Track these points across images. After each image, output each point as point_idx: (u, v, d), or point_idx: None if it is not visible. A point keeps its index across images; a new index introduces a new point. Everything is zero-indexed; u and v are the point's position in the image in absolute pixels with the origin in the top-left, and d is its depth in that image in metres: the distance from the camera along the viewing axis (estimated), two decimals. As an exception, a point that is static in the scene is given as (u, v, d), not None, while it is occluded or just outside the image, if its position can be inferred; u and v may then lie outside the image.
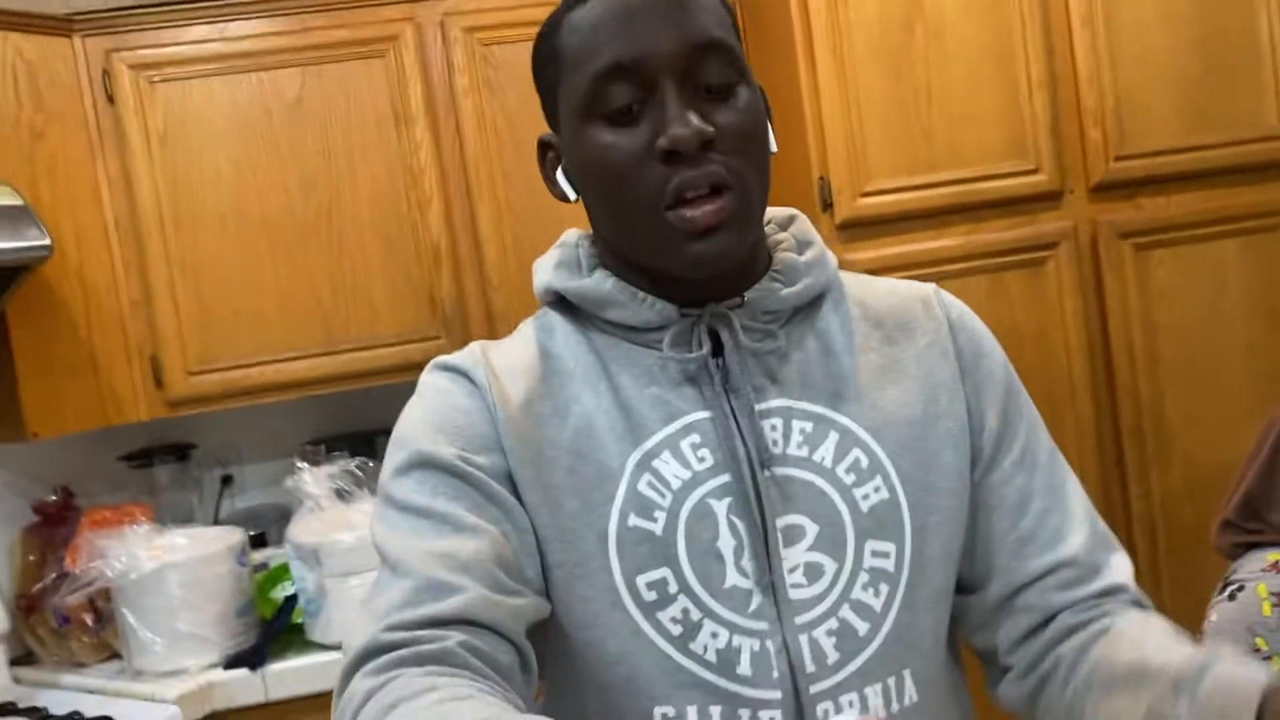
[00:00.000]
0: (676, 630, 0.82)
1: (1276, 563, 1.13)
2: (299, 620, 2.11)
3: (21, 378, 2.08)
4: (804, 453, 0.86)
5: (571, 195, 0.90)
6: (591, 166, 0.85)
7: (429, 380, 0.91)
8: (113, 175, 2.23)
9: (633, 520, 0.83)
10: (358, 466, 2.14)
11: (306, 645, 2.08)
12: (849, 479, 0.85)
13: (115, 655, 2.15)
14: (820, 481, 0.85)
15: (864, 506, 0.85)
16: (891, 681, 0.85)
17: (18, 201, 1.95)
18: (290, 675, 2.02)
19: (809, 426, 0.86)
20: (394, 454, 0.87)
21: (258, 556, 2.28)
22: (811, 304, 0.91)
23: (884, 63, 2.09)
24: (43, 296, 2.11)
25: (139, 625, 2.02)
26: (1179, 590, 2.18)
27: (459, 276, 2.33)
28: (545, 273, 0.94)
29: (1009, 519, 0.90)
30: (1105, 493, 2.17)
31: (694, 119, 0.80)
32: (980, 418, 0.91)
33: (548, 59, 0.88)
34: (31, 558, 2.34)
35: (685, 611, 0.82)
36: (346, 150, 2.28)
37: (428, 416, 0.88)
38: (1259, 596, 1.10)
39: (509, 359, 0.90)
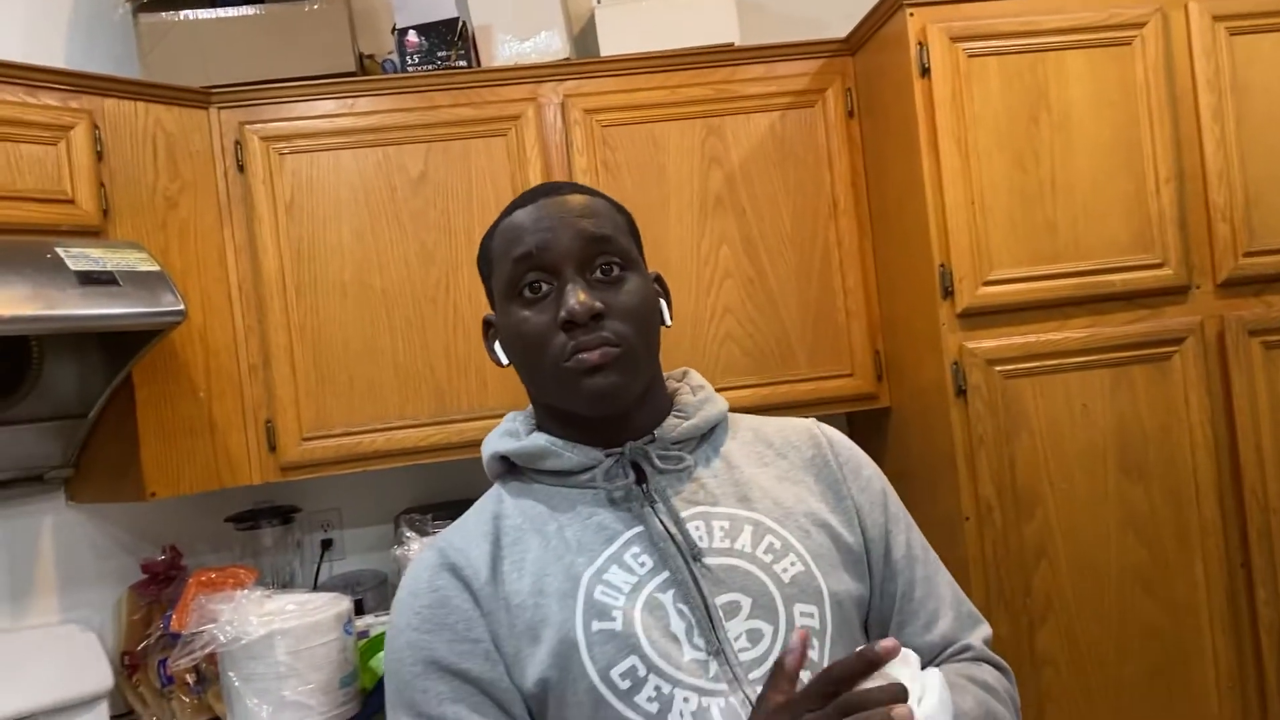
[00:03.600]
0: (654, 707, 0.98)
1: None
2: (401, 692, 2.09)
3: (144, 439, 2.11)
4: (726, 544, 1.05)
5: (504, 361, 1.13)
6: (514, 336, 1.08)
7: (414, 576, 1.08)
8: (239, 242, 2.28)
9: (595, 625, 1.00)
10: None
11: (408, 719, 2.06)
12: (767, 558, 1.04)
13: (215, 718, 2.15)
14: (744, 564, 1.04)
15: (785, 578, 1.04)
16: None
17: (155, 268, 1.99)
18: (393, 749, 2.00)
19: (726, 524, 1.07)
20: (400, 656, 1.04)
21: (359, 624, 2.27)
22: (711, 432, 1.15)
23: (1008, 154, 2.08)
24: (167, 359, 2.15)
25: (245, 690, 2.01)
26: (1309, 703, 2.09)
27: (570, 351, 2.34)
28: (491, 442, 1.15)
29: (897, 602, 1.11)
30: (1231, 598, 2.10)
31: (585, 296, 1.03)
32: (866, 514, 1.12)
33: (484, 257, 1.13)
34: (136, 616, 2.36)
35: (658, 689, 0.98)
36: (466, 225, 2.32)
37: (419, 622, 1.04)
38: None
39: (465, 531, 1.10)
